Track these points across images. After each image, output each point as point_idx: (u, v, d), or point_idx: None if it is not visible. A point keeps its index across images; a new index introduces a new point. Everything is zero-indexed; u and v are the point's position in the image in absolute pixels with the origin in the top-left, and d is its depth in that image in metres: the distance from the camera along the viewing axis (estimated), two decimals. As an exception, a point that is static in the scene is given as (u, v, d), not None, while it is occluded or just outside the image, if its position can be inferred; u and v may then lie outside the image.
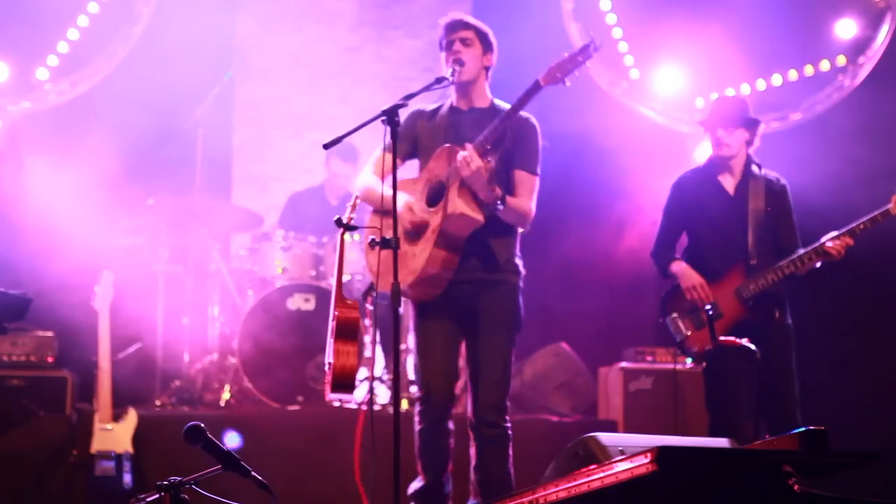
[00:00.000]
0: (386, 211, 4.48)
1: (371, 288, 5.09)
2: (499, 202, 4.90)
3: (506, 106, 5.09)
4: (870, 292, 7.49)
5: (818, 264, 5.73)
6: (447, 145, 4.99)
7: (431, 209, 4.95)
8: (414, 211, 4.98)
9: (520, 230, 5.21)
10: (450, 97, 5.23)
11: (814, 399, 5.97)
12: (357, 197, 5.06)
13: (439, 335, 5.10)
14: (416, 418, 5.13)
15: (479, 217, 4.90)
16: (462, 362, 5.29)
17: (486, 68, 5.17)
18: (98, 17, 8.14)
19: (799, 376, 5.80)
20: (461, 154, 4.80)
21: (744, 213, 5.87)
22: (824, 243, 5.65)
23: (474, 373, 5.13)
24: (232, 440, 6.40)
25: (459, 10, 7.26)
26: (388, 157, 5.03)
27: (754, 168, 5.96)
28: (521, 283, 5.19)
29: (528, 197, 5.07)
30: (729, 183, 5.97)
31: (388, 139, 5.05)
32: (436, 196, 4.97)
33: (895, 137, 7.33)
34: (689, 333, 5.90)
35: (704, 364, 5.94)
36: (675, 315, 5.96)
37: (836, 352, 7.50)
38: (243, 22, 9.04)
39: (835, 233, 5.66)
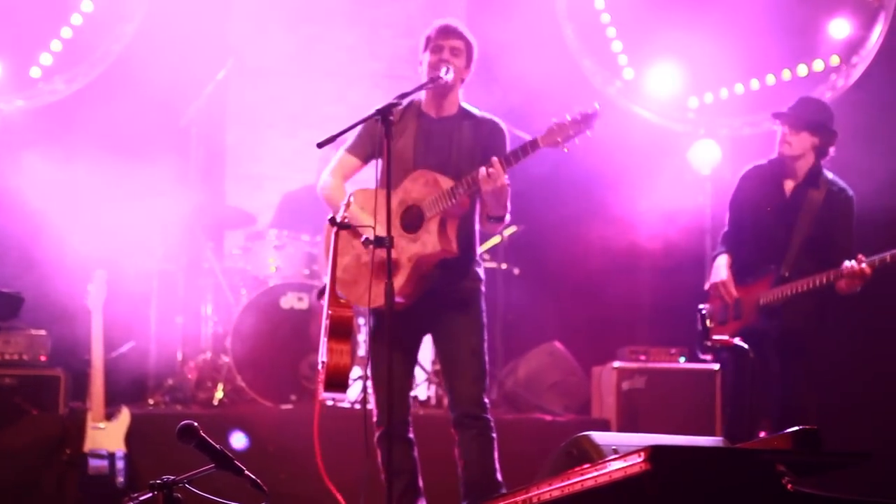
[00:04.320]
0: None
1: (324, 290, 5.04)
2: (501, 218, 4.98)
3: (473, 110, 5.15)
4: (869, 290, 7.49)
5: (857, 287, 5.64)
6: (429, 173, 4.99)
7: (409, 235, 4.95)
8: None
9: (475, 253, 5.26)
10: (420, 100, 5.20)
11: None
12: (323, 192, 5.17)
13: (396, 352, 4.96)
14: (376, 435, 5.09)
15: (455, 249, 4.97)
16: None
17: (463, 80, 5.17)
18: (92, 15, 8.13)
19: (812, 386, 5.82)
20: (487, 171, 4.78)
21: (793, 222, 5.85)
22: (842, 266, 5.58)
23: (449, 372, 5.15)
24: (238, 441, 6.41)
25: (454, 11, 7.27)
26: (352, 159, 5.13)
27: (821, 176, 5.88)
28: (483, 288, 5.22)
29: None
30: (789, 186, 5.93)
31: (352, 139, 5.09)
32: (412, 222, 4.98)
33: (889, 137, 7.33)
34: (711, 326, 5.93)
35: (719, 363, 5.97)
36: (708, 307, 6.00)
37: (831, 350, 7.50)
38: (237, 21, 9.03)
39: (860, 256, 5.56)
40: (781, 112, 5.95)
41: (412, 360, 5.31)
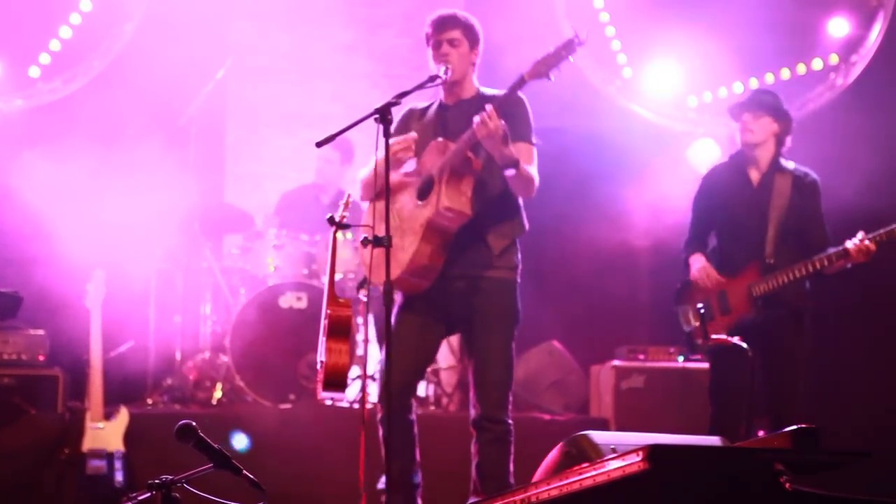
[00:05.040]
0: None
1: (364, 281, 5.08)
2: (511, 166, 4.87)
3: (493, 92, 5.10)
4: (862, 289, 7.49)
5: (849, 265, 5.72)
6: (439, 139, 4.99)
7: (421, 203, 4.95)
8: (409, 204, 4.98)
9: (518, 233, 5.20)
10: (440, 94, 5.23)
11: (809, 398, 5.98)
12: (362, 182, 5.11)
13: (415, 328, 5.07)
14: (378, 405, 5.11)
15: (468, 210, 4.90)
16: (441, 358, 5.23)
17: (473, 63, 5.17)
18: (90, 14, 8.13)
19: (807, 378, 5.82)
20: (479, 115, 4.75)
21: (765, 209, 5.85)
22: (846, 245, 5.63)
23: (475, 371, 5.12)
24: (239, 441, 6.41)
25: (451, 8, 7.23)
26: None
27: (783, 163, 5.94)
28: (519, 279, 5.16)
29: (531, 165, 5.03)
30: (754, 175, 5.96)
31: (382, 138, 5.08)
32: (425, 190, 4.96)
33: (887, 136, 7.33)
34: (696, 325, 5.91)
35: (710, 358, 5.97)
36: (685, 306, 5.98)
37: (827, 348, 7.51)
38: (236, 20, 9.03)
39: (861, 234, 5.63)
40: (738, 102, 6.05)
41: (431, 346, 5.26)
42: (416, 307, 5.07)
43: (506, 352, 5.10)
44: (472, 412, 5.13)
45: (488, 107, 4.77)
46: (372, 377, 7.14)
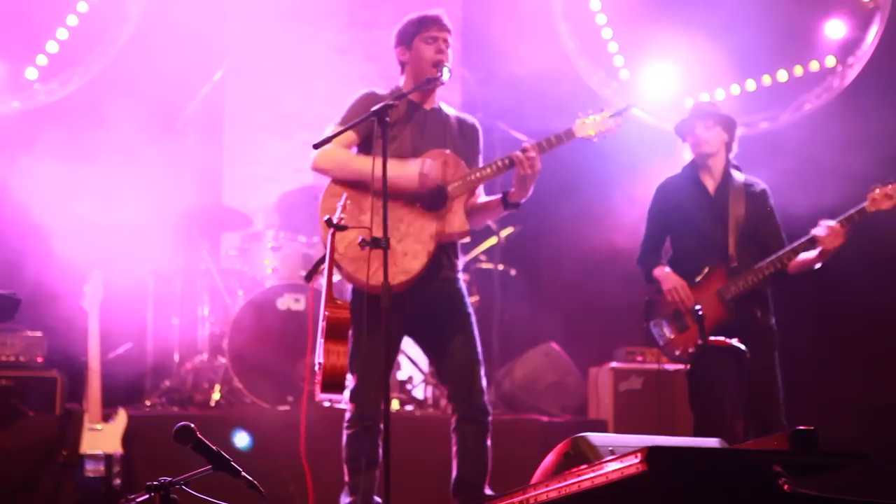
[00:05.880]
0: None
1: (317, 264, 4.92)
2: (517, 206, 5.12)
3: (448, 110, 5.25)
4: (858, 291, 7.50)
5: (817, 265, 5.75)
6: (448, 153, 5.06)
7: (433, 213, 5.01)
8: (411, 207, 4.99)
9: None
10: (399, 86, 5.23)
11: (803, 399, 5.98)
12: (325, 168, 5.17)
13: (385, 335, 5.01)
14: (346, 423, 5.08)
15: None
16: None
17: None
18: (87, 16, 8.13)
19: (783, 377, 5.83)
20: (524, 155, 4.93)
21: (724, 216, 5.94)
22: (813, 233, 5.70)
23: (449, 368, 5.14)
24: (241, 440, 6.41)
25: (450, 12, 7.26)
26: (348, 132, 5.04)
27: (734, 172, 6.05)
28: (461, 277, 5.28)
29: None
30: (710, 184, 6.05)
31: (346, 114, 5.18)
32: (431, 200, 5.01)
33: (884, 138, 7.34)
34: (672, 337, 5.93)
35: (689, 366, 5.98)
36: (657, 319, 5.99)
37: (824, 351, 7.52)
38: (233, 22, 9.03)
39: (827, 220, 5.70)
40: (685, 119, 6.17)
41: (396, 352, 5.39)
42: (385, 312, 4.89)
43: (474, 342, 5.14)
44: (451, 408, 5.15)
45: (528, 145, 4.98)
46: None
